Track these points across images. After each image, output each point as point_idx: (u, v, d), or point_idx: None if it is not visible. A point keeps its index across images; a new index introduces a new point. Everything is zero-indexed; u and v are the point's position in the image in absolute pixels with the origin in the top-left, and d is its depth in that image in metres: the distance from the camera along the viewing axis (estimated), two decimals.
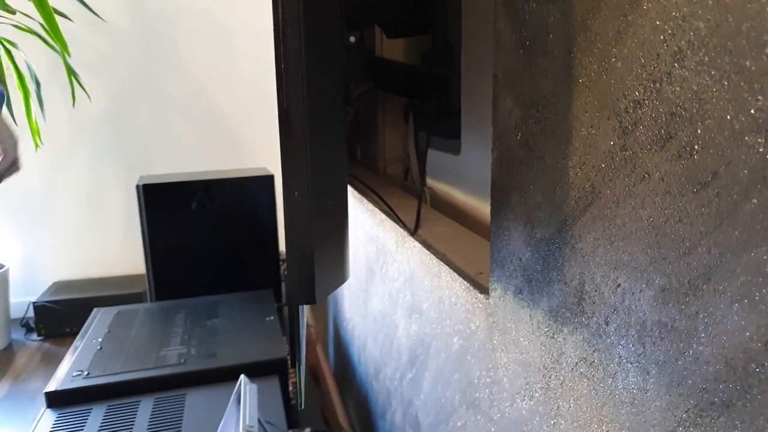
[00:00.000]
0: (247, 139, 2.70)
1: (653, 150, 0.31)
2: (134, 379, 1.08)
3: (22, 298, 2.66)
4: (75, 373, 1.10)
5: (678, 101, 0.29)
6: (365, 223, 1.05)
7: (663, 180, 0.30)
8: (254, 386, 0.89)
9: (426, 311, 0.71)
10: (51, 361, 2.28)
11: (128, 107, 2.55)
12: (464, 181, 0.85)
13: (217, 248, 1.69)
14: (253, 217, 1.72)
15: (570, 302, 0.39)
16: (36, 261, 2.65)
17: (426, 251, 0.70)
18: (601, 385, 0.36)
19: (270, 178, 1.75)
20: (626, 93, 0.32)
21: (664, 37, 0.29)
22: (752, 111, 0.24)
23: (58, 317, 2.47)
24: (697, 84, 0.27)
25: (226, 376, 1.13)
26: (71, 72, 2.15)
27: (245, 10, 2.58)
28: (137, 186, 1.65)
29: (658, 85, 0.30)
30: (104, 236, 2.68)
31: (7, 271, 2.38)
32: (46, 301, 2.44)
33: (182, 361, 1.16)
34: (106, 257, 2.70)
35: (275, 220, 1.74)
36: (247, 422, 0.79)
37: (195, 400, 1.05)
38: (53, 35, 2.03)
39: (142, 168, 2.63)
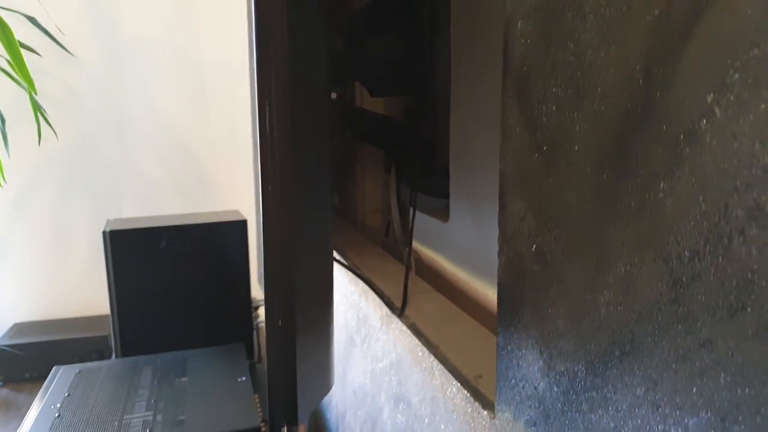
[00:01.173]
0: (218, 175, 2.62)
1: (718, 317, 0.25)
2: None
3: None
4: None
5: (756, 267, 0.23)
6: (346, 288, 0.98)
7: (733, 355, 0.25)
8: None
9: (416, 406, 0.65)
10: (9, 409, 2.15)
11: (95, 142, 2.46)
12: (454, 252, 0.80)
13: (187, 297, 1.61)
14: (224, 263, 1.65)
15: None
16: None
17: (416, 340, 0.63)
18: None
19: (242, 224, 1.68)
20: (679, 239, 0.27)
21: (736, 185, 0.24)
22: None
23: (18, 362, 2.34)
24: None
25: None
26: (37, 108, 2.06)
27: (216, 45, 2.52)
28: (104, 232, 1.56)
29: (725, 241, 0.25)
30: (67, 276, 2.56)
31: None
32: (5, 346, 2.31)
33: (147, 430, 1.07)
34: (69, 297, 2.59)
35: (247, 267, 1.67)
36: None
37: None
38: (19, 72, 1.95)
39: (108, 205, 2.53)
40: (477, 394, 0.51)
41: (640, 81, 0.29)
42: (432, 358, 0.59)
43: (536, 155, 0.38)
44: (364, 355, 0.86)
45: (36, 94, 2.03)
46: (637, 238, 0.30)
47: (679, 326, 0.27)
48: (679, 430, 0.28)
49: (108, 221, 1.69)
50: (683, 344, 0.27)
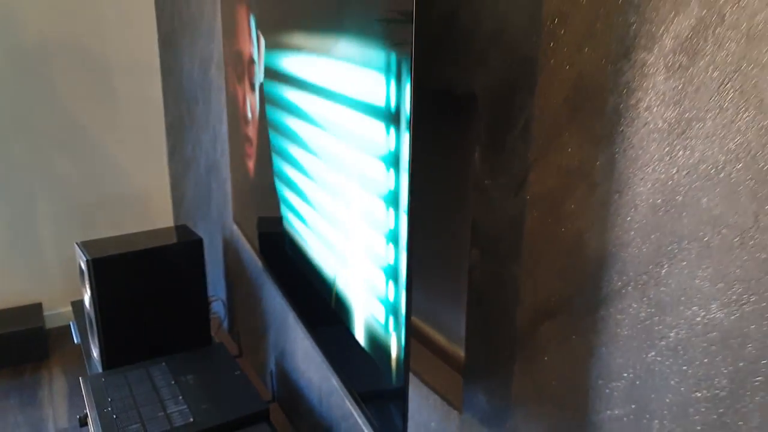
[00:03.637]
0: (130, 172, 2.94)
1: None
2: None
3: None
4: None
5: None
6: None
7: None
8: None
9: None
10: None
11: (7, 148, 2.67)
12: None
13: (154, 311, 1.97)
14: (185, 279, 2.02)
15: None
16: None
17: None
18: None
19: (199, 242, 2.08)
20: None
21: None
22: None
23: None
24: None
25: (234, 426, 1.56)
26: None
27: (123, 48, 2.79)
28: (87, 260, 1.90)
29: None
30: None
31: None
32: None
33: (190, 419, 1.58)
34: None
35: (205, 279, 2.11)
36: None
37: None
38: None
39: (24, 203, 2.75)
40: (451, 403, 1.14)
41: None
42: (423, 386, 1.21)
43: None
44: None
45: None
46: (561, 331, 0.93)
47: None
48: None
49: (77, 244, 2.01)
50: None
